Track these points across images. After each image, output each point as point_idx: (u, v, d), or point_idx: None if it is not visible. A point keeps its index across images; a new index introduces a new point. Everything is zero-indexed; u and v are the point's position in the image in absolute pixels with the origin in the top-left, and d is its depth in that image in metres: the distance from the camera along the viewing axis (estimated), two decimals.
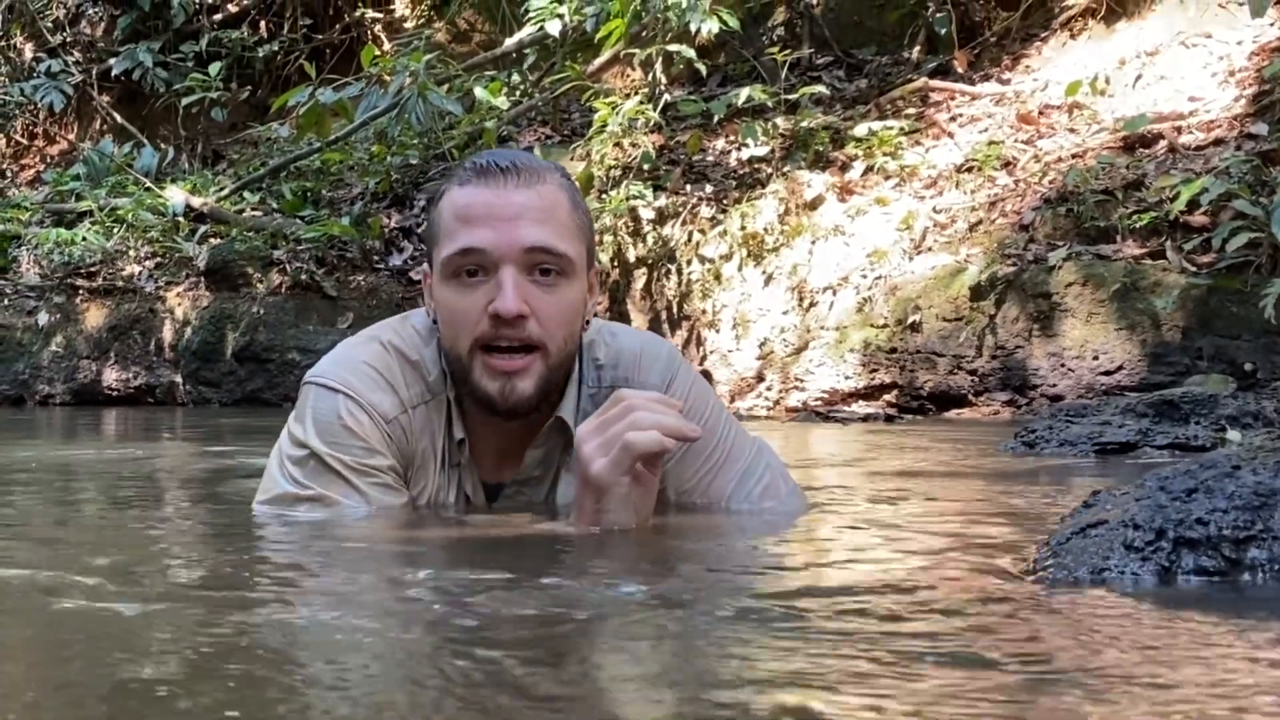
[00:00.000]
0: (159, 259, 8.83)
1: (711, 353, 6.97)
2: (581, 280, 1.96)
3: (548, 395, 1.96)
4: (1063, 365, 5.59)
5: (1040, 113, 7.10)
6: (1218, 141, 6.06)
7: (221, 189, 9.64)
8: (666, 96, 7.90)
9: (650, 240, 7.36)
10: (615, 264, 7.38)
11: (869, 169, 7.10)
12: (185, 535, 2.13)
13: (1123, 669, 1.08)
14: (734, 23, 7.50)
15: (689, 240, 7.26)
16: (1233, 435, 3.20)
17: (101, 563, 1.69)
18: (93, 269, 8.81)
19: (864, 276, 6.47)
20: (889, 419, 5.70)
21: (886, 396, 6.13)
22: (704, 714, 0.96)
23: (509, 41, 9.26)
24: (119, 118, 11.65)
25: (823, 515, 2.20)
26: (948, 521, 2.19)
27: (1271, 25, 6.67)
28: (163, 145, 11.25)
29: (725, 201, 7.28)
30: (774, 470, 2.13)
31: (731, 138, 7.72)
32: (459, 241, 1.90)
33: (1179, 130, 6.27)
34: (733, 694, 1.02)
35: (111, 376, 8.39)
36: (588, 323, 2.04)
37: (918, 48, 8.45)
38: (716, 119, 7.77)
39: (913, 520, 2.22)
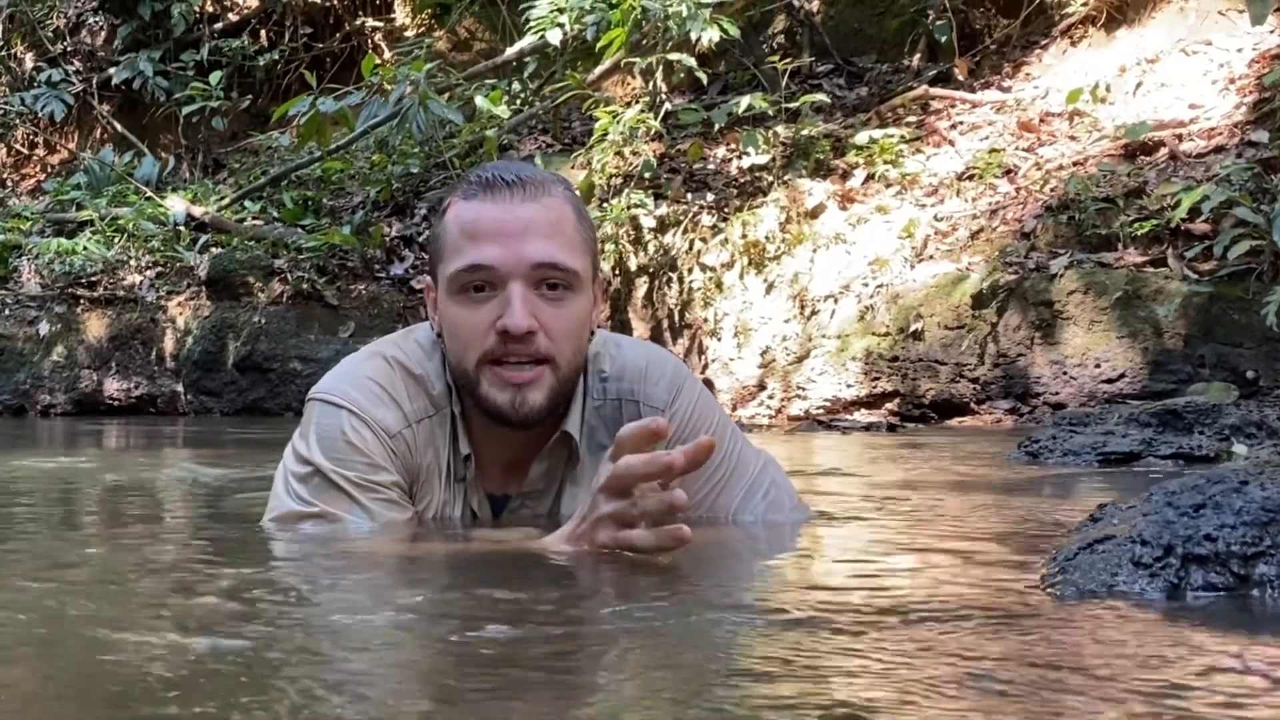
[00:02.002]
0: (160, 268, 8.82)
1: (713, 361, 6.97)
2: (588, 293, 1.96)
3: (557, 406, 1.96)
4: (1065, 373, 5.58)
5: (1041, 120, 7.11)
6: (1219, 149, 6.06)
7: (222, 198, 9.64)
8: (667, 105, 7.90)
9: (651, 249, 7.37)
10: (617, 272, 7.38)
11: (870, 177, 7.10)
12: (187, 550, 2.12)
13: (1131, 686, 1.08)
14: (734, 31, 7.51)
15: (690, 249, 7.26)
16: (1239, 449, 3.20)
17: (102, 578, 1.69)
18: (94, 279, 8.81)
19: (865, 285, 6.47)
20: (891, 428, 5.70)
21: (888, 405, 6.13)
22: None
23: (509, 50, 9.27)
24: (119, 127, 11.65)
25: (826, 528, 2.20)
26: (954, 535, 2.19)
27: (1272, 33, 6.68)
28: (163, 154, 11.25)
29: (726, 210, 7.28)
30: (779, 485, 2.12)
31: (732, 146, 7.72)
32: (466, 258, 1.89)
33: (1180, 138, 6.27)
34: (739, 711, 1.02)
35: (113, 386, 8.38)
36: (593, 333, 2.04)
37: (918, 55, 8.45)
38: (717, 127, 7.78)
39: (918, 534, 2.21)
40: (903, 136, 7.27)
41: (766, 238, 6.98)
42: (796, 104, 7.55)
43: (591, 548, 1.75)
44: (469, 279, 1.90)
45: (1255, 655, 1.20)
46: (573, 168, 7.78)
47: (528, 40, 8.63)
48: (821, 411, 6.25)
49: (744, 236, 7.02)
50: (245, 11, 11.76)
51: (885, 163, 7.08)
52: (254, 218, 9.18)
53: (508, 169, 1.95)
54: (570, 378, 1.96)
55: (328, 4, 11.34)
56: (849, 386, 6.28)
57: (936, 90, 7.80)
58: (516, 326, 1.85)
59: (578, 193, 2.06)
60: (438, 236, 1.98)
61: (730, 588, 1.67)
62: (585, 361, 2.02)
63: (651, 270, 7.37)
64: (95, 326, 8.55)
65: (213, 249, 8.72)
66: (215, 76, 10.42)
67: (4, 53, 12.29)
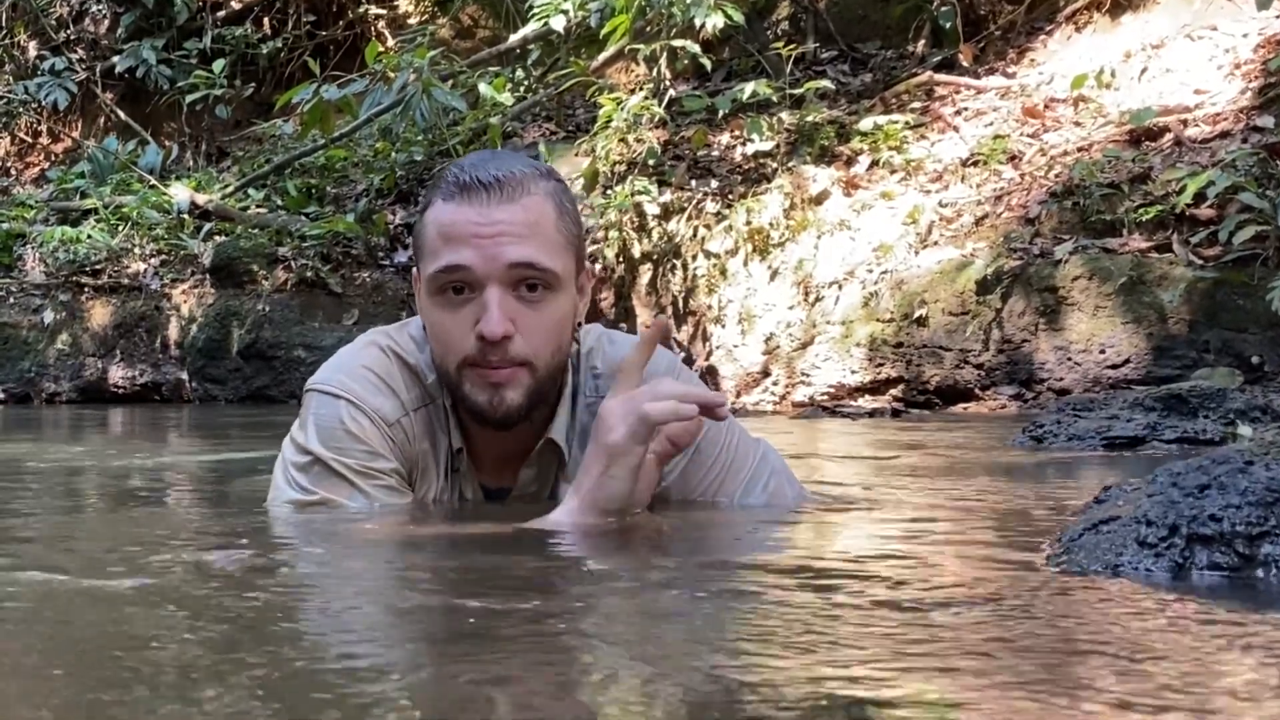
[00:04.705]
0: (164, 256, 8.83)
1: (717, 348, 6.97)
2: (569, 291, 1.94)
3: (537, 405, 1.95)
4: (1069, 359, 5.58)
5: (1045, 106, 7.09)
6: (1224, 134, 6.05)
7: (226, 186, 9.65)
8: (671, 92, 7.89)
9: (655, 236, 7.36)
10: (620, 259, 7.38)
11: (874, 163, 7.09)
12: (188, 530, 2.13)
13: (1134, 664, 1.08)
14: (738, 18, 7.49)
15: (694, 236, 7.25)
16: (1244, 430, 3.19)
17: (108, 559, 1.69)
18: (98, 267, 8.82)
19: (869, 271, 6.47)
20: (895, 414, 5.70)
21: (893, 391, 6.13)
22: (720, 701, 0.96)
23: (513, 37, 9.25)
24: (123, 115, 11.65)
25: (828, 511, 2.19)
26: (958, 517, 2.18)
27: (1277, 18, 6.65)
28: (167, 143, 11.25)
29: (730, 197, 7.27)
30: (779, 475, 2.12)
31: (736, 133, 7.71)
32: (442, 259, 1.89)
33: (1185, 123, 6.25)
34: (747, 687, 1.02)
35: (117, 374, 8.40)
36: (579, 325, 2.04)
37: (922, 42, 8.44)
38: (721, 114, 7.76)
39: (922, 516, 2.21)
40: (907, 123, 7.26)
41: (770, 224, 6.97)
42: (801, 90, 7.53)
43: (596, 490, 1.77)
44: (446, 280, 1.89)
45: (1258, 633, 1.20)
46: (576, 155, 7.77)
47: (531, 27, 8.62)
48: (826, 398, 6.24)
49: (748, 223, 7.01)
50: None
51: (889, 149, 7.07)
52: (258, 206, 9.19)
53: (487, 167, 1.92)
54: (549, 377, 1.95)
55: None
56: (853, 373, 6.27)
57: (941, 76, 7.78)
58: (493, 333, 1.85)
59: (567, 183, 2.04)
60: (419, 234, 1.98)
61: (731, 566, 1.67)
62: (568, 359, 2.02)
63: (655, 257, 7.37)
64: (99, 314, 8.56)
65: (216, 237, 8.73)
66: (218, 65, 10.42)
67: (7, 41, 12.29)
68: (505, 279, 1.87)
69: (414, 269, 2.04)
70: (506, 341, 1.87)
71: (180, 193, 9.23)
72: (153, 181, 9.80)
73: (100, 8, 12.19)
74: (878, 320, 6.25)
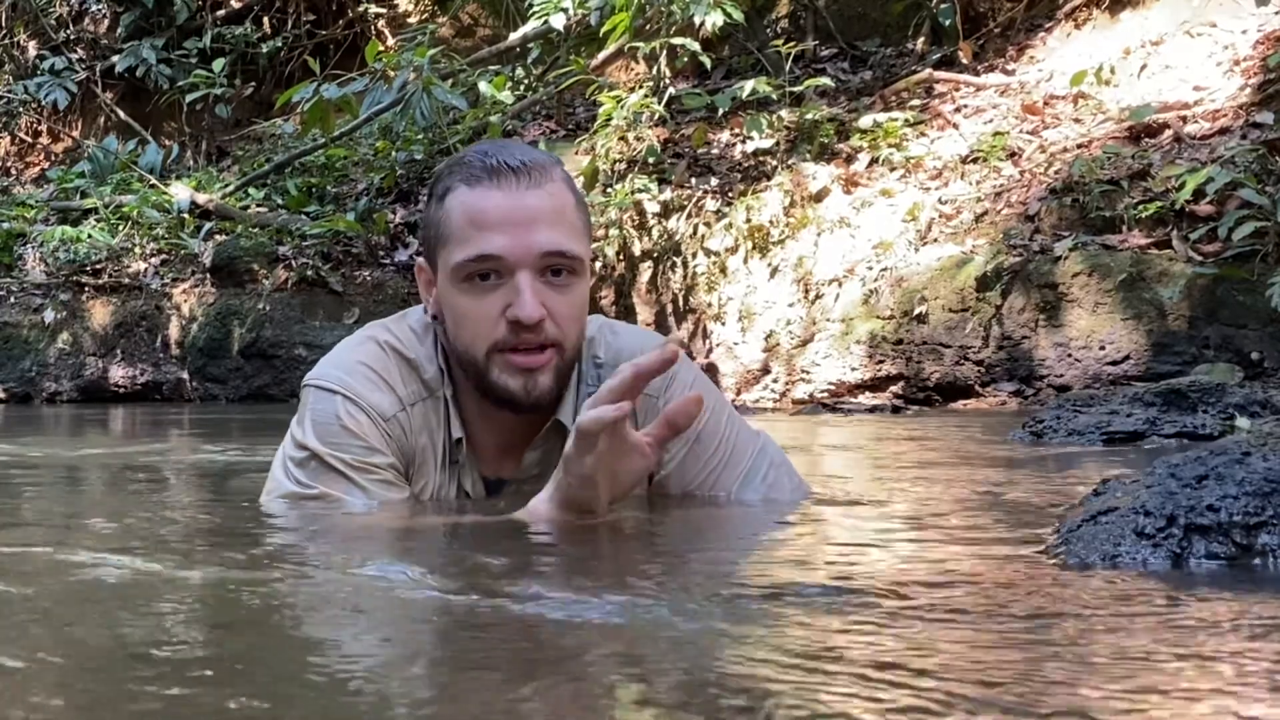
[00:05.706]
0: (165, 256, 8.84)
1: (717, 345, 6.97)
2: (588, 275, 1.98)
3: (562, 389, 1.97)
4: (1069, 355, 5.58)
5: (1045, 103, 7.09)
6: (1223, 130, 6.05)
7: (226, 185, 9.65)
8: (671, 90, 7.89)
9: (655, 234, 7.36)
10: (621, 258, 7.38)
11: (874, 161, 7.09)
12: (189, 525, 2.13)
13: (1129, 652, 1.08)
14: (738, 15, 7.49)
15: (694, 233, 7.26)
16: (1242, 423, 3.20)
17: (109, 550, 1.70)
18: (98, 266, 8.83)
19: (869, 268, 6.47)
20: (895, 410, 5.70)
21: (893, 388, 6.13)
22: (721, 696, 0.96)
23: (513, 36, 9.26)
24: (123, 115, 11.66)
25: (828, 505, 2.20)
26: (956, 510, 2.19)
27: (1277, 14, 6.66)
28: (167, 142, 11.26)
29: (730, 194, 7.28)
30: (778, 468, 2.12)
31: (736, 131, 7.71)
32: (474, 247, 1.89)
33: (1184, 120, 6.26)
34: (751, 678, 1.02)
35: (118, 373, 8.40)
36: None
37: (922, 39, 8.44)
38: (721, 112, 7.77)
39: (921, 509, 2.22)
40: (907, 120, 7.26)
41: (770, 222, 6.98)
42: (800, 88, 7.54)
43: (572, 516, 1.78)
44: (476, 268, 1.89)
45: (1255, 621, 1.20)
46: (577, 153, 7.77)
47: (531, 25, 8.62)
48: (826, 395, 6.25)
49: (748, 221, 7.01)
50: None
51: (889, 146, 7.07)
52: (258, 205, 9.19)
53: (509, 152, 1.93)
54: (573, 359, 1.98)
55: None
56: (853, 370, 6.27)
57: (940, 73, 7.79)
58: (529, 317, 1.86)
59: (572, 174, 2.06)
60: (439, 222, 1.96)
61: (724, 563, 1.68)
62: (583, 344, 2.03)
63: (656, 255, 7.37)
64: (100, 314, 8.56)
65: (217, 236, 8.74)
66: (218, 64, 10.42)
67: (7, 41, 12.29)
68: (536, 265, 1.88)
69: (420, 259, 2.04)
70: (539, 325, 1.88)
71: (181, 192, 9.23)
72: (153, 181, 9.80)
73: (100, 7, 12.20)
74: (878, 317, 6.26)
